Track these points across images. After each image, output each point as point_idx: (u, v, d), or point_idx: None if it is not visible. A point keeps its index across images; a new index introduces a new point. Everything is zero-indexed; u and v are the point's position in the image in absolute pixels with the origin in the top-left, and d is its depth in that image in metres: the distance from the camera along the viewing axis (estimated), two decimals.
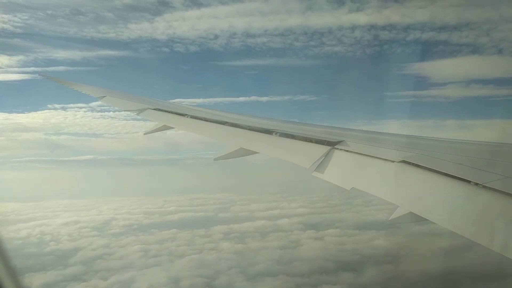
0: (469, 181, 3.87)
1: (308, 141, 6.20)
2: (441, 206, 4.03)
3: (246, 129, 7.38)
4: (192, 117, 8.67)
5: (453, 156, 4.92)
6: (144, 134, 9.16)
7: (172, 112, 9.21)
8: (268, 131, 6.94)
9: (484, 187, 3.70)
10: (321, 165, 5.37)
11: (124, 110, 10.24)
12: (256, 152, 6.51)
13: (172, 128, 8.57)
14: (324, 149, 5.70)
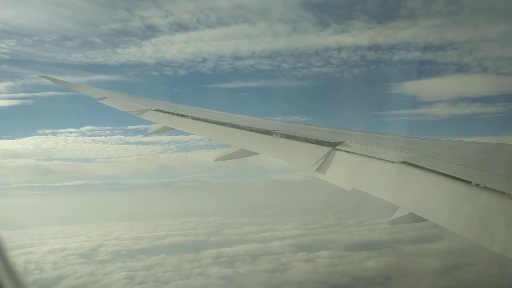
0: (469, 182, 3.87)
1: (309, 142, 6.19)
2: (441, 207, 4.03)
3: (246, 130, 7.38)
4: (193, 118, 8.68)
5: (454, 157, 4.91)
6: (145, 135, 9.17)
7: (172, 113, 9.21)
8: (268, 132, 6.94)
9: (485, 188, 3.70)
10: (321, 166, 5.37)
11: (125, 111, 10.25)
12: (256, 153, 6.51)
13: (173, 129, 8.58)
14: (325, 150, 5.70)
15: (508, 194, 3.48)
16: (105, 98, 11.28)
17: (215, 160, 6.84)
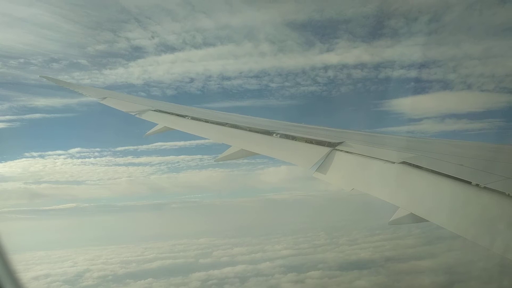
0: (469, 182, 3.87)
1: (309, 142, 6.19)
2: (441, 207, 4.02)
3: (246, 130, 7.38)
4: (193, 118, 8.68)
5: (454, 157, 4.91)
6: (145, 135, 9.16)
7: (173, 114, 9.21)
8: (268, 132, 6.94)
9: (485, 188, 3.69)
10: (322, 166, 5.37)
11: (126, 111, 10.24)
12: (256, 154, 6.51)
13: (173, 129, 8.58)
14: (325, 150, 5.70)
15: (508, 194, 3.48)
16: (105, 98, 11.28)
17: (215, 160, 6.83)
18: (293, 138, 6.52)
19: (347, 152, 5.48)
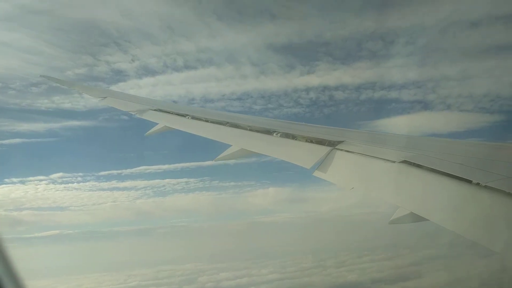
0: (470, 181, 3.86)
1: (309, 142, 6.19)
2: (442, 206, 4.02)
3: (246, 129, 7.38)
4: (193, 117, 8.67)
5: (454, 156, 4.91)
6: (146, 134, 9.16)
7: (173, 113, 9.21)
8: (269, 132, 6.93)
9: (485, 187, 3.69)
10: (322, 166, 5.36)
11: (126, 111, 10.25)
12: (256, 153, 6.50)
13: (173, 128, 8.57)
14: (325, 149, 5.69)
15: (509, 192, 3.47)
16: (105, 98, 11.28)
17: (215, 160, 6.83)
18: (294, 137, 6.51)
19: (348, 151, 5.48)
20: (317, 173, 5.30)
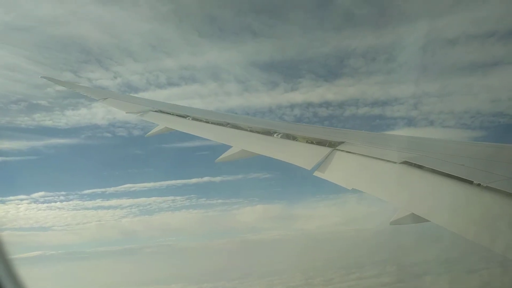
0: (471, 182, 3.85)
1: (310, 143, 6.19)
2: (443, 207, 4.01)
3: (247, 130, 7.38)
4: (194, 118, 8.68)
5: (455, 157, 4.89)
6: (146, 136, 9.17)
7: (173, 114, 9.21)
8: (269, 133, 6.93)
9: (487, 187, 3.68)
10: (322, 167, 5.36)
11: (126, 112, 10.25)
12: (257, 154, 6.50)
13: (174, 130, 8.58)
14: (326, 150, 5.69)
15: (510, 193, 3.46)
16: (106, 99, 11.29)
17: (216, 161, 6.82)
18: (294, 138, 6.51)
19: (348, 152, 5.47)
20: (317, 174, 5.29)
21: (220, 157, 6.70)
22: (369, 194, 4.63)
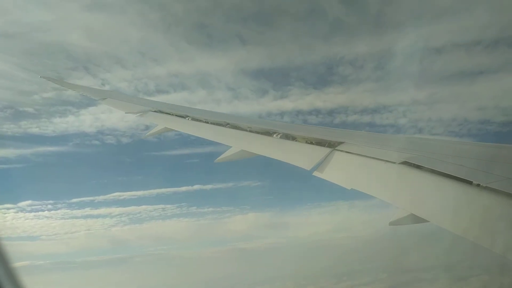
0: (471, 182, 3.85)
1: (309, 143, 6.19)
2: (442, 208, 4.01)
3: (247, 130, 7.37)
4: (193, 119, 8.67)
5: (455, 157, 4.90)
6: (145, 136, 9.16)
7: (173, 114, 9.21)
8: (269, 133, 6.93)
9: (486, 188, 3.68)
10: (322, 167, 5.36)
11: (126, 113, 10.24)
12: (257, 154, 6.50)
13: (173, 130, 8.57)
14: (325, 150, 5.69)
15: (510, 194, 3.46)
16: (105, 99, 11.28)
17: (215, 161, 6.82)
18: (294, 138, 6.51)
19: (348, 152, 5.47)
20: (317, 174, 5.29)
21: (220, 157, 6.70)
22: (367, 195, 4.63)
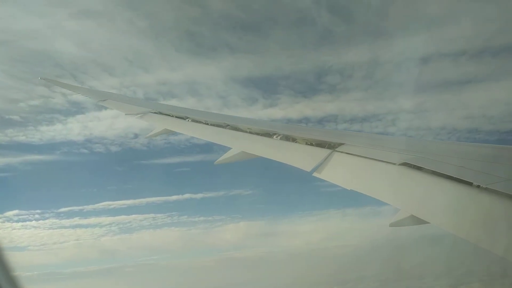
0: (471, 183, 3.85)
1: (309, 144, 6.18)
2: (442, 209, 4.00)
3: (247, 132, 7.37)
4: (193, 120, 8.68)
5: (455, 159, 4.89)
6: (145, 137, 9.17)
7: (173, 116, 9.21)
8: (269, 134, 6.93)
9: (486, 189, 3.68)
10: (322, 168, 5.35)
11: (126, 114, 10.25)
12: (257, 156, 6.49)
13: (173, 132, 8.58)
14: (325, 152, 5.69)
15: (510, 195, 3.45)
16: (105, 100, 11.29)
17: (215, 163, 6.82)
18: (294, 140, 6.51)
19: (348, 153, 5.47)
20: (317, 175, 5.29)
21: (220, 158, 6.70)
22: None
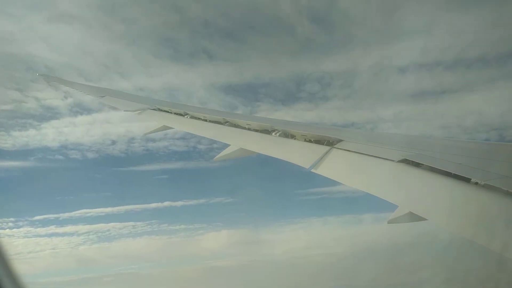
0: (469, 180, 3.86)
1: (308, 141, 6.19)
2: (441, 206, 4.01)
3: (245, 128, 7.37)
4: (192, 117, 8.66)
5: (453, 155, 4.90)
6: (144, 134, 9.15)
7: (172, 112, 9.19)
8: (267, 131, 6.93)
9: (484, 185, 3.69)
10: (320, 165, 5.36)
11: (124, 110, 10.22)
12: (255, 152, 6.49)
13: (172, 128, 8.56)
14: (324, 148, 5.69)
15: (507, 191, 3.47)
16: (103, 96, 11.26)
17: (214, 160, 6.82)
18: (292, 136, 6.51)
19: (347, 150, 5.47)
20: (315, 172, 5.29)
21: (218, 155, 6.70)
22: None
